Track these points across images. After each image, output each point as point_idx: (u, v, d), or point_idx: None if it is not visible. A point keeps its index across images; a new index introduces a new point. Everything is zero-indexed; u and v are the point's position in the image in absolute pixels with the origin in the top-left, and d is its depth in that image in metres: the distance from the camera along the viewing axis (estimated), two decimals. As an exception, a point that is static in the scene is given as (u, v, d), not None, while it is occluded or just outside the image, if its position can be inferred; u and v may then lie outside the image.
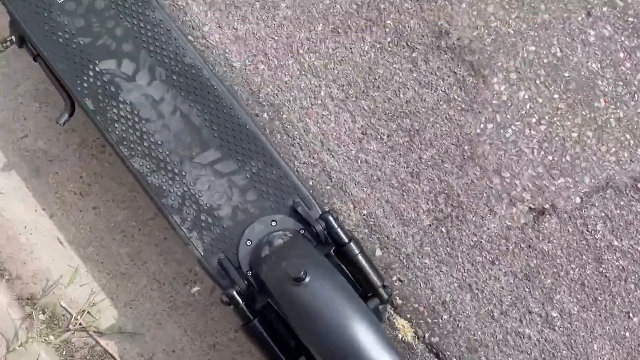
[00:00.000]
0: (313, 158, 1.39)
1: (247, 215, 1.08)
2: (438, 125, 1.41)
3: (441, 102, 1.42)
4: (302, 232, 1.07)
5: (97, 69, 1.13)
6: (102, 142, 1.38)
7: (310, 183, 1.37)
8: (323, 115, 1.41)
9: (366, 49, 1.45)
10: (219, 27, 1.46)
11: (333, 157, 1.39)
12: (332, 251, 1.05)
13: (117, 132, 1.11)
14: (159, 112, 1.12)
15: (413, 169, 1.39)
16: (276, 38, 1.46)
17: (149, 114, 1.12)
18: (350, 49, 1.45)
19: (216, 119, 1.13)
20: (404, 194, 1.38)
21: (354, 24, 1.47)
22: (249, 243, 1.06)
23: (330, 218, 1.04)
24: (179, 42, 1.15)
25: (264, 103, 1.41)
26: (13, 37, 1.21)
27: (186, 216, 1.08)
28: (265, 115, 1.41)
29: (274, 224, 1.07)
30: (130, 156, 1.10)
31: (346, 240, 1.04)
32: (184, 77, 1.14)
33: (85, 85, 1.13)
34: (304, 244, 1.00)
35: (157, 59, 1.15)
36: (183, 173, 1.10)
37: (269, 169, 1.11)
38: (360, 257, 1.03)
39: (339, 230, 1.03)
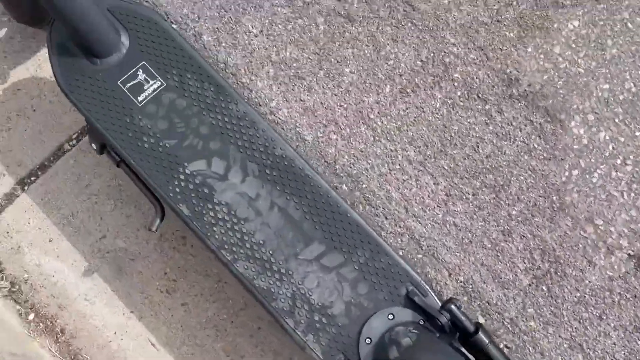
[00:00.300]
0: (399, 227, 1.35)
1: (361, 310, 1.04)
2: (522, 178, 1.36)
3: (522, 153, 1.38)
4: (421, 322, 1.02)
5: (187, 171, 1.09)
6: (182, 233, 1.33)
7: (400, 253, 1.32)
8: (403, 180, 1.37)
9: (438, 106, 1.42)
10: (286, 100, 1.42)
11: (420, 223, 1.34)
12: (456, 338, 1.01)
13: (217, 237, 1.07)
14: (257, 210, 1.08)
15: (504, 227, 1.34)
16: (345, 105, 1.42)
17: (247, 213, 1.08)
18: (422, 108, 1.42)
19: (315, 210, 1.08)
20: (499, 254, 1.33)
21: (421, 81, 1.43)
22: (368, 341, 1.02)
23: (455, 308, 0.99)
24: (267, 134, 1.11)
25: (342, 174, 1.37)
26: (93, 146, 1.17)
27: (299, 318, 1.03)
28: (344, 186, 1.37)
29: (391, 317, 1.03)
30: (234, 260, 1.06)
31: (473, 329, 0.99)
32: (277, 169, 1.10)
33: (177, 190, 1.09)
34: (438, 344, 0.95)
35: (247, 153, 1.11)
36: (290, 272, 1.06)
37: (376, 258, 1.06)
38: (490, 346, 0.98)
39: (465, 320, 0.98)
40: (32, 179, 1.35)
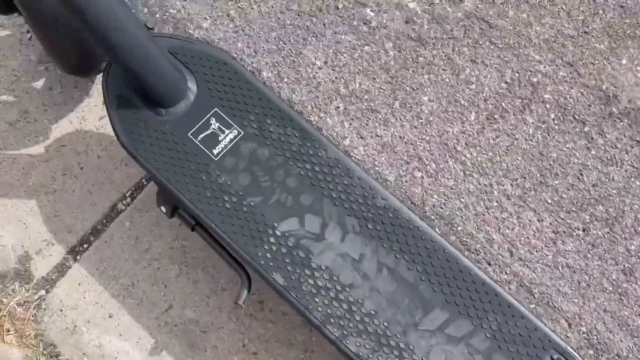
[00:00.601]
0: (505, 273, 1.18)
1: (501, 386, 0.87)
2: (637, 207, 1.20)
3: (632, 179, 1.22)
4: (575, 396, 0.85)
5: (277, 232, 0.93)
6: (258, 297, 1.17)
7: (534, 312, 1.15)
8: (503, 218, 1.21)
9: (531, 132, 1.26)
10: (361, 137, 1.27)
11: (528, 267, 1.18)
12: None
13: (320, 309, 0.90)
14: (363, 273, 0.92)
15: (624, 265, 1.17)
16: (427, 138, 1.26)
17: (352, 278, 0.92)
18: (513, 135, 1.26)
19: (431, 268, 0.92)
20: (622, 297, 1.16)
21: (509, 105, 1.28)
22: (517, 423, 0.84)
23: None
24: (364, 182, 0.96)
25: (433, 217, 1.21)
26: (162, 209, 1.01)
27: (429, 401, 0.86)
28: (437, 230, 1.20)
29: (539, 392, 0.86)
30: (343, 336, 0.89)
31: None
32: (380, 223, 0.94)
33: (267, 255, 0.92)
34: None
35: (344, 207, 0.95)
36: (411, 347, 0.89)
37: (510, 322, 0.90)
38: None
39: None
40: (85, 246, 1.19)
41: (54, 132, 1.25)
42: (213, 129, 0.98)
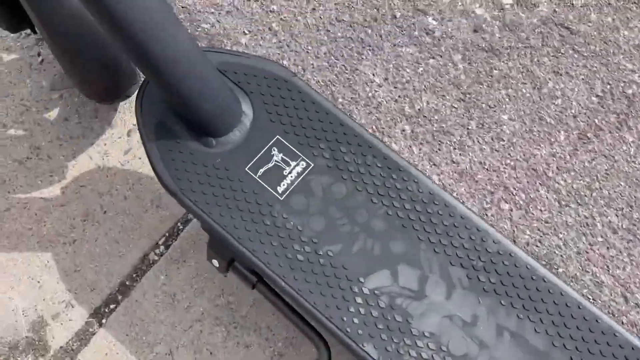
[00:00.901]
0: (621, 323, 0.97)
1: None
2: None
3: None
4: None
5: (364, 289, 0.73)
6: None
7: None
8: (611, 256, 1.01)
9: (632, 152, 1.07)
10: (434, 164, 1.07)
11: (648, 315, 0.97)
12: None
13: (428, 389, 0.70)
14: (479, 340, 0.72)
15: None
16: (512, 163, 1.07)
17: (465, 347, 0.71)
18: (612, 156, 1.07)
19: (565, 331, 0.72)
20: None
21: (603, 122, 1.09)
22: None
23: None
24: (469, 221, 0.76)
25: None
26: (214, 262, 0.81)
27: None
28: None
29: None
30: None
31: None
32: (495, 273, 0.74)
33: (354, 320, 0.72)
34: None
35: (447, 254, 0.75)
36: None
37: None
38: None
39: None
40: (111, 307, 0.98)
41: (71, 171, 1.06)
42: (276, 161, 0.79)
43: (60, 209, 1.03)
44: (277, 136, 0.80)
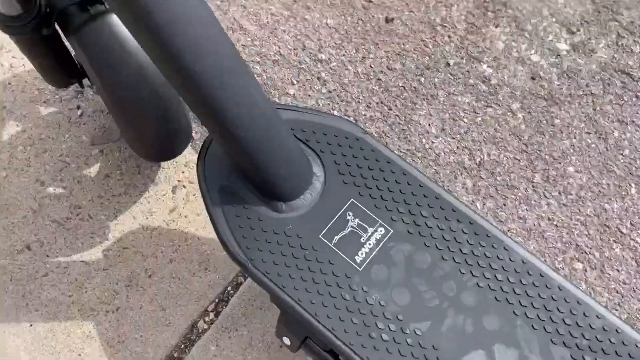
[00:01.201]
0: None
1: None
2: None
3: None
4: None
5: (459, 374, 0.65)
6: None
7: None
8: (699, 320, 0.93)
9: None
10: (500, 221, 1.01)
11: None
12: None
13: None
14: None
15: None
16: (582, 219, 1.00)
17: None
18: (689, 210, 1.00)
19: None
20: None
21: (675, 173, 1.03)
22: None
23: None
24: (568, 294, 0.69)
25: (607, 321, 0.93)
26: (285, 340, 0.74)
27: None
28: None
29: None
30: None
31: None
32: (601, 353, 0.67)
33: (451, 410, 0.64)
34: None
35: (547, 331, 0.68)
36: None
37: None
38: None
39: None
40: (158, 382, 0.90)
41: (113, 231, 0.99)
42: (352, 227, 0.72)
43: (102, 274, 0.96)
44: (352, 199, 0.74)
